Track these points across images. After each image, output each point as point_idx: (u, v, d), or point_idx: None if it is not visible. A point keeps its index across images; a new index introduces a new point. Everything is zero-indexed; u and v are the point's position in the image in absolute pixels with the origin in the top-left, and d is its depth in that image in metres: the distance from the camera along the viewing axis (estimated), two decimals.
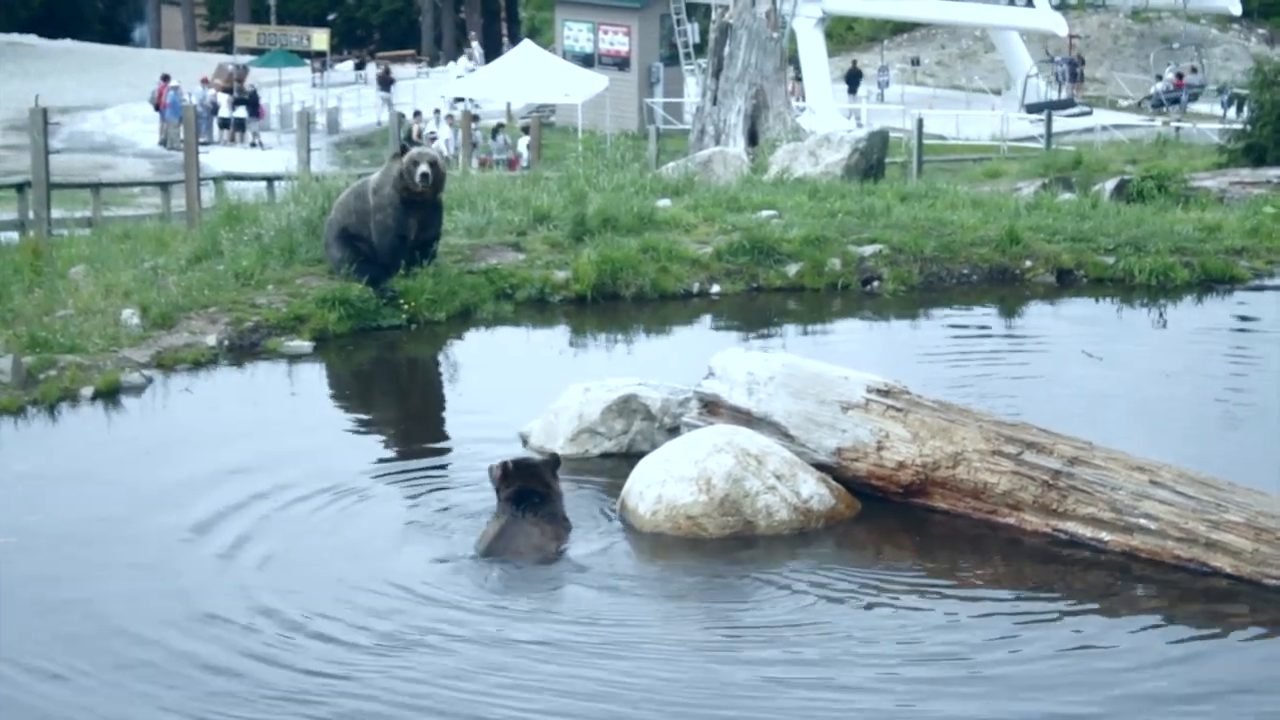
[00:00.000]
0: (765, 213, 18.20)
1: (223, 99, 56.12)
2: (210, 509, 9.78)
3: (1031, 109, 59.30)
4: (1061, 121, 53.39)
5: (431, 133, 47.14)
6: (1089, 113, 59.98)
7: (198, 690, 7.41)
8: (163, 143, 53.50)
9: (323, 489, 10.13)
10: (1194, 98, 62.40)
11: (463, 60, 69.81)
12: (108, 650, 7.79)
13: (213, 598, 8.42)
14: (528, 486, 9.40)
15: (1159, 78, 63.91)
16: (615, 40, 60.28)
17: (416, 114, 50.62)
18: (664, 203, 18.61)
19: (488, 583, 8.73)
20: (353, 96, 63.65)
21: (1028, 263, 17.22)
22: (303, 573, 8.86)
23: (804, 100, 54.33)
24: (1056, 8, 61.85)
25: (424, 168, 14.31)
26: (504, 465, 9.51)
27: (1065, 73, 64.48)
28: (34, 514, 9.64)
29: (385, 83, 62.38)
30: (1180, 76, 63.48)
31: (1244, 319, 15.93)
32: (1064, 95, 62.93)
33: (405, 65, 73.09)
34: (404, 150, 14.80)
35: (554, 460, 9.70)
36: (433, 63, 74.11)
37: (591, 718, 7.24)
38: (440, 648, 7.86)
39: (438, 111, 50.55)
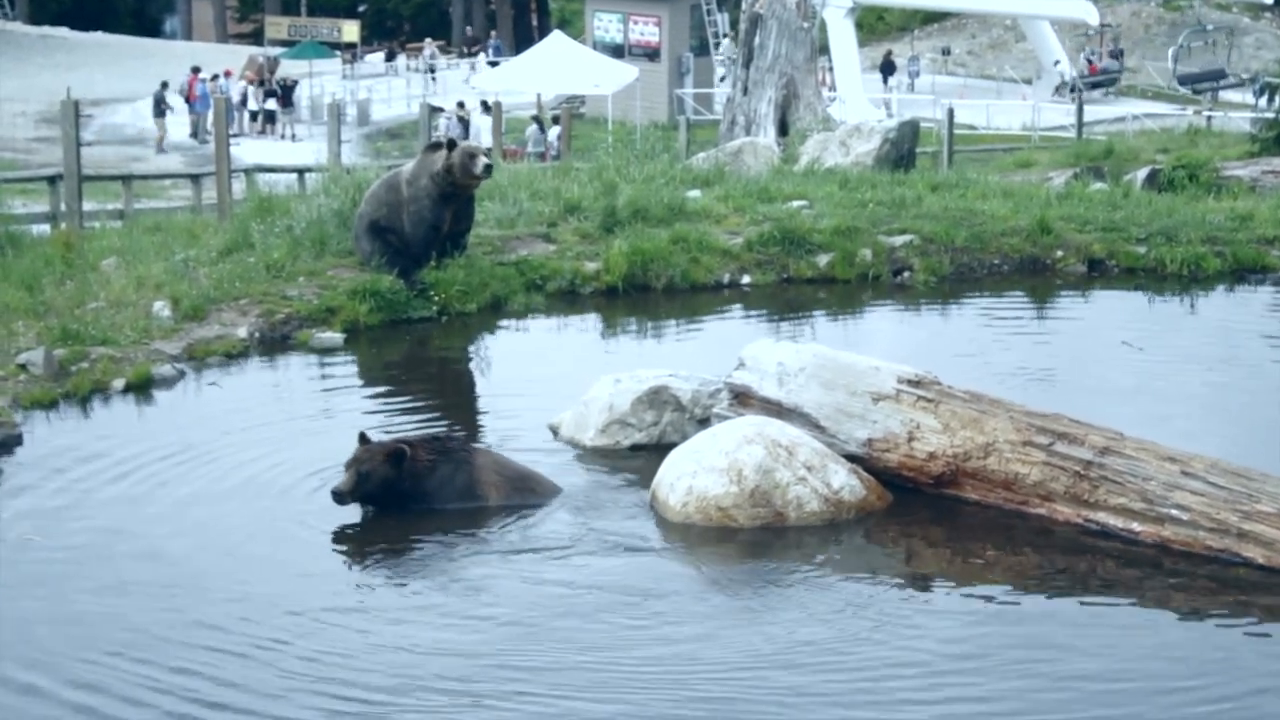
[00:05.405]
0: (796, 203, 18.18)
1: (252, 91, 56.19)
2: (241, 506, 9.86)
3: (1184, 80, 59.88)
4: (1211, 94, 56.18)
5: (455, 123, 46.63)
6: (1241, 83, 61.03)
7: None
8: (193, 135, 53.61)
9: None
10: (1110, 84, 63.08)
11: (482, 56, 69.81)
12: None
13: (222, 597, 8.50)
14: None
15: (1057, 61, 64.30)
16: (645, 31, 60.26)
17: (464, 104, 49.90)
18: (694, 193, 18.60)
19: (515, 570, 8.76)
20: (383, 88, 63.68)
21: (1059, 253, 17.17)
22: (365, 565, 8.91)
23: (834, 90, 54.21)
24: None
25: (485, 159, 14.28)
26: (409, 442, 9.78)
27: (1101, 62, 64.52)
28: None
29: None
30: (1092, 63, 63.64)
31: (1277, 308, 15.88)
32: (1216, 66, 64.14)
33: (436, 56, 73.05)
34: (451, 144, 14.64)
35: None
36: (463, 54, 74.00)
37: (616, 706, 7.27)
38: (480, 634, 7.91)
39: (462, 104, 50.18)
